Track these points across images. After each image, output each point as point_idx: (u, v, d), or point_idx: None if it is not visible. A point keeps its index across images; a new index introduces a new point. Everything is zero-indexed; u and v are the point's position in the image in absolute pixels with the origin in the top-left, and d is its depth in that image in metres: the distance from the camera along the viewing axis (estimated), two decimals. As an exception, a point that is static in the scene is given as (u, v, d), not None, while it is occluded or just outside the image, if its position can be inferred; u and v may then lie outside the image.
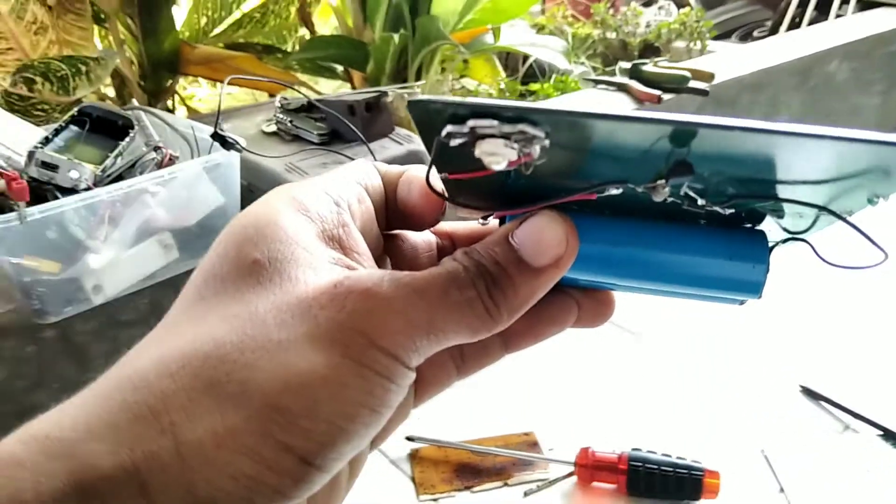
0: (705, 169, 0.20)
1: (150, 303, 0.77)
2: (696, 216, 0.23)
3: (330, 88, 1.79)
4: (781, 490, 0.58)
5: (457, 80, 1.70)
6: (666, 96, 1.50)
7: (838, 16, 2.27)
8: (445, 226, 0.26)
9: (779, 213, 0.23)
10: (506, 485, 0.61)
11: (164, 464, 0.18)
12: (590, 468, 0.59)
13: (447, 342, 0.21)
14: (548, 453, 0.63)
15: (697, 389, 0.69)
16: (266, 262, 0.21)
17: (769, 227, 0.24)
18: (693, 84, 1.53)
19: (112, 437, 0.18)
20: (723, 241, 0.23)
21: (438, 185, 0.22)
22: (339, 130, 1.14)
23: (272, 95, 1.54)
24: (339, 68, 1.68)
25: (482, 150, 0.19)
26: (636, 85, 1.54)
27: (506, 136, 0.19)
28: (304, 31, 1.78)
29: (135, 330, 0.76)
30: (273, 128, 1.22)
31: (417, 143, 1.15)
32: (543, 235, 0.21)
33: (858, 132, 0.18)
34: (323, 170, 1.01)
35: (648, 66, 1.60)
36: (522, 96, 1.74)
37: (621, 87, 1.57)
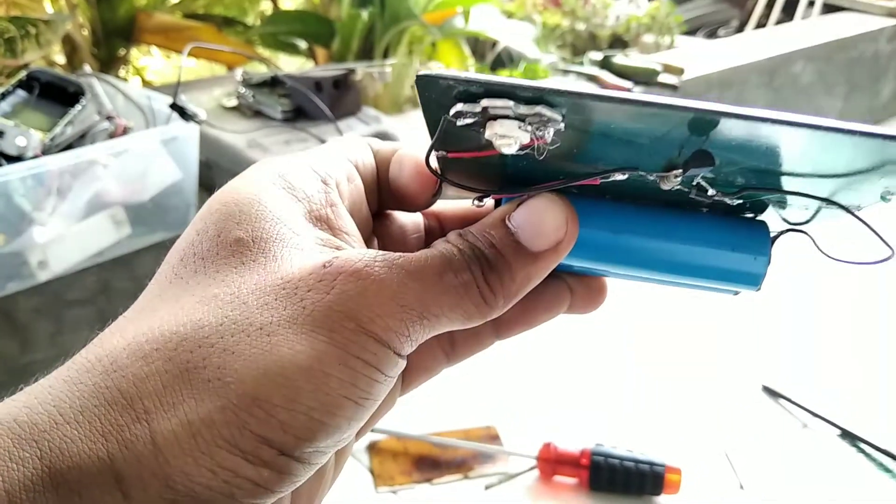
0: (720, 158, 0.19)
1: (98, 281, 0.73)
2: (699, 204, 0.22)
3: (293, 65, 1.74)
4: (741, 487, 0.59)
5: (424, 64, 1.67)
6: (636, 89, 1.51)
7: (803, 18, 2.31)
8: (433, 206, 0.25)
9: (783, 204, 0.22)
10: (466, 478, 0.60)
11: (139, 454, 0.16)
12: (552, 462, 0.59)
13: (441, 328, 0.20)
14: (509, 448, 0.62)
15: (661, 387, 0.69)
16: (250, 240, 0.19)
17: (769, 216, 0.23)
18: (662, 78, 1.54)
19: (84, 422, 0.17)
20: (725, 231, 0.22)
21: (434, 164, 0.21)
22: (303, 107, 1.11)
23: (231, 69, 1.49)
24: (303, 45, 1.64)
25: (494, 131, 0.18)
26: (606, 76, 1.54)
27: (520, 118, 0.17)
28: (266, 5, 1.72)
29: (82, 310, 0.72)
30: (234, 102, 1.18)
31: (385, 124, 1.12)
32: (543, 219, 0.20)
33: (880, 128, 0.18)
34: (287, 147, 0.97)
35: (619, 58, 1.60)
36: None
37: (591, 78, 1.56)
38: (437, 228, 0.26)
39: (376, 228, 0.25)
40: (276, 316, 0.18)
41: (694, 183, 0.20)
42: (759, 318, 0.78)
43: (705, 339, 0.75)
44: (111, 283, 0.72)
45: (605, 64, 1.59)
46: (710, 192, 0.21)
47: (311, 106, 1.08)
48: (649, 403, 0.67)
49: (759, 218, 0.23)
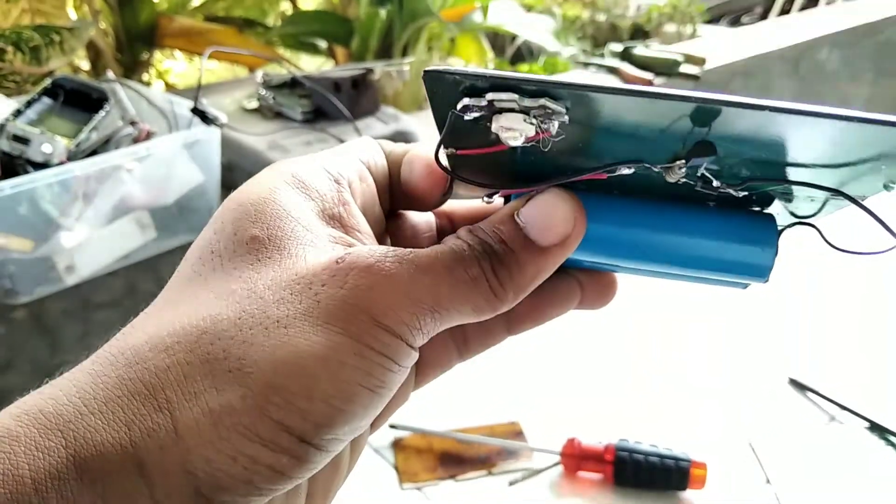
0: (724, 149, 0.19)
1: (125, 284, 0.74)
2: (705, 198, 0.22)
3: (313, 65, 1.75)
4: (768, 481, 0.58)
5: (443, 60, 1.67)
6: (657, 80, 1.49)
7: (828, 3, 2.26)
8: (444, 206, 0.25)
9: (788, 197, 0.22)
10: (490, 474, 0.60)
11: (161, 442, 0.17)
12: (576, 458, 0.58)
13: (451, 321, 0.20)
14: (533, 444, 0.62)
15: (686, 381, 0.69)
16: (265, 238, 0.20)
17: (776, 209, 0.23)
18: (684, 69, 1.52)
19: (108, 413, 0.17)
20: (732, 223, 0.22)
21: (444, 160, 0.21)
22: (323, 108, 1.12)
23: (252, 71, 1.51)
24: (323, 44, 1.65)
25: (500, 124, 0.18)
26: (627, 68, 1.52)
27: (525, 111, 0.18)
28: (286, 6, 1.73)
29: (109, 312, 0.74)
30: (255, 104, 1.19)
31: (404, 123, 1.12)
32: (551, 214, 0.20)
33: (882, 115, 0.18)
34: (307, 148, 0.98)
35: (639, 49, 1.58)
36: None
37: (612, 70, 1.55)
38: (449, 228, 0.26)
39: (389, 228, 0.25)
40: (292, 309, 0.19)
41: (699, 174, 0.20)
42: (785, 310, 0.77)
43: (731, 333, 0.74)
44: (137, 286, 0.73)
45: (626, 55, 1.58)
46: (716, 183, 0.21)
47: (331, 106, 1.09)
48: (674, 397, 0.67)
49: (765, 211, 0.23)
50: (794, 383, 0.67)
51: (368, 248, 0.20)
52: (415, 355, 0.20)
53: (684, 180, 0.20)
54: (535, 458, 0.61)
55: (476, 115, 0.18)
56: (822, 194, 0.21)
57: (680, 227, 0.22)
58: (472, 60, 1.72)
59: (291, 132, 1.06)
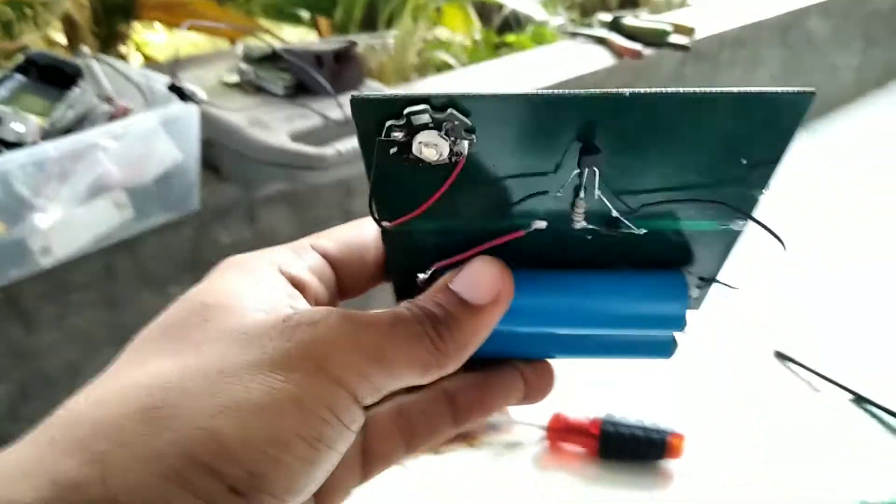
0: (613, 162, 0.20)
1: (102, 265, 0.73)
2: (616, 254, 0.24)
3: (296, 36, 1.72)
4: (754, 453, 0.58)
5: (429, 30, 1.64)
6: (646, 51, 1.47)
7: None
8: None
9: (684, 248, 0.24)
10: (472, 447, 0.60)
11: (89, 495, 0.16)
12: (561, 432, 0.58)
13: (396, 377, 0.20)
14: (517, 417, 0.62)
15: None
16: (214, 304, 0.20)
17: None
18: (673, 39, 1.50)
19: (38, 471, 0.17)
20: (644, 281, 0.24)
21: (377, 214, 0.22)
22: (305, 82, 1.09)
23: (233, 43, 1.47)
24: (306, 14, 1.61)
25: (418, 141, 0.19)
26: (616, 38, 1.50)
27: (438, 126, 0.19)
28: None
29: (87, 293, 0.73)
30: (235, 78, 1.16)
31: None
32: (481, 275, 0.22)
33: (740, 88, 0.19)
34: (288, 124, 0.96)
35: (628, 19, 1.56)
36: (498, 47, 1.69)
37: (601, 41, 1.53)
38: None
39: None
40: (238, 361, 0.19)
41: (596, 196, 0.21)
42: (771, 283, 0.77)
43: (715, 305, 0.74)
44: (115, 267, 0.72)
45: (615, 25, 1.55)
46: (614, 213, 0.22)
47: (313, 80, 1.06)
48: (659, 371, 0.67)
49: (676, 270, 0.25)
50: (780, 356, 0.67)
51: (314, 308, 0.21)
52: (359, 414, 0.20)
53: (590, 227, 0.22)
54: (520, 431, 0.61)
55: (399, 135, 0.19)
56: (714, 225, 0.23)
57: (596, 289, 0.24)
58: (459, 30, 1.69)
59: (272, 107, 1.04)
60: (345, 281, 0.25)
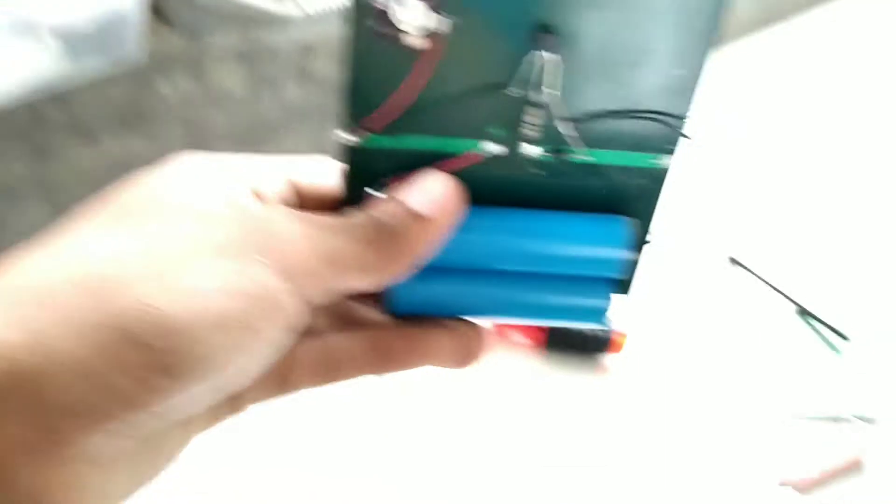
0: (569, 49, 0.21)
1: (32, 116, 0.67)
2: (561, 202, 0.24)
3: None
4: (695, 355, 0.59)
5: None
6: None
7: None
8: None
9: (622, 194, 0.25)
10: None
11: (15, 363, 0.16)
12: (508, 326, 0.59)
13: (346, 279, 0.21)
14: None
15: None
16: (168, 185, 0.20)
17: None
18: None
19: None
20: (588, 220, 0.25)
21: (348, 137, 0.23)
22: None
23: None
24: None
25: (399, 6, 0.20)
26: None
27: None
28: None
29: (15, 145, 0.67)
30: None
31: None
32: (431, 186, 0.22)
33: None
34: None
35: None
36: None
37: None
38: None
39: None
40: (188, 244, 0.19)
41: (543, 93, 0.22)
42: (728, 187, 0.75)
43: (672, 211, 0.72)
44: (46, 117, 0.66)
45: None
46: (562, 129, 0.23)
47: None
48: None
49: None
50: (734, 261, 0.67)
51: (271, 205, 0.21)
52: (304, 314, 0.20)
53: (540, 155, 0.23)
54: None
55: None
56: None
57: (542, 221, 0.24)
58: None
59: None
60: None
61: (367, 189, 0.23)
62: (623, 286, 0.27)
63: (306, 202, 0.23)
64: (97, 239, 0.18)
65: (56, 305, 0.17)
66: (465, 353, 0.25)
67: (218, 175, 0.21)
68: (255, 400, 0.24)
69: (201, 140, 0.62)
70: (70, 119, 0.66)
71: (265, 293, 0.18)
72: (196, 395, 0.18)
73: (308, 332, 0.23)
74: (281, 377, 0.24)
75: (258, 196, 0.21)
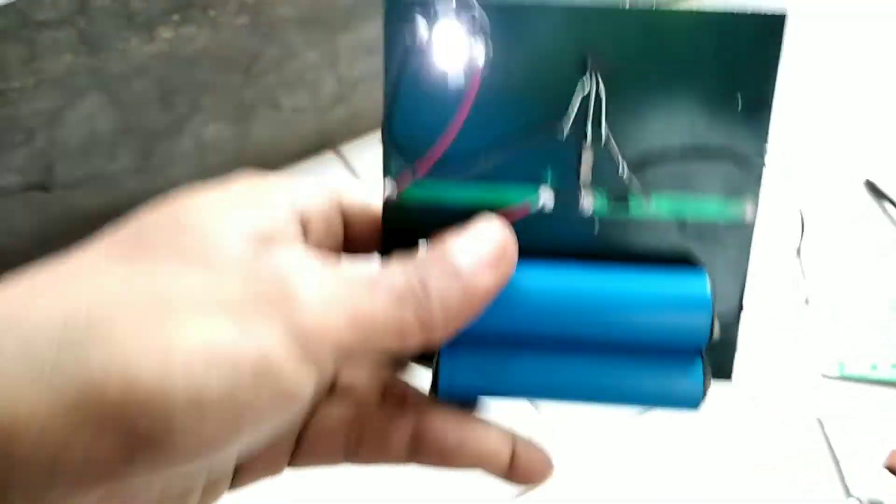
0: (616, 103, 0.20)
1: (79, 4, 0.58)
2: (622, 253, 0.21)
3: None
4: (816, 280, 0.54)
5: None
6: None
7: None
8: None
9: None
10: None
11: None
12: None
13: (371, 342, 0.17)
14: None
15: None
16: (198, 211, 0.18)
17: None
18: None
19: None
20: (663, 275, 0.21)
21: (390, 190, 0.21)
22: None
23: None
24: None
25: (440, 27, 0.19)
26: None
27: (460, 9, 0.19)
28: None
29: (58, 32, 0.58)
30: None
31: None
32: (482, 232, 0.19)
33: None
34: None
35: None
36: None
37: None
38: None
39: None
40: (192, 290, 0.17)
41: (602, 139, 0.20)
42: (868, 109, 0.68)
43: (808, 131, 0.65)
44: (93, 4, 0.57)
45: None
46: (621, 169, 0.20)
47: None
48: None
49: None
50: (870, 186, 0.61)
51: (291, 248, 0.18)
52: (316, 381, 0.17)
53: (597, 202, 0.21)
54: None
55: (420, 15, 0.19)
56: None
57: (606, 280, 0.21)
58: None
59: None
60: (351, 242, 0.22)
61: (408, 238, 0.21)
62: (723, 370, 0.22)
63: (354, 229, 0.21)
64: (100, 272, 0.17)
65: (30, 353, 0.15)
66: (526, 470, 0.21)
67: (246, 213, 0.18)
68: (256, 478, 0.21)
69: (267, 27, 0.53)
70: (117, 5, 0.57)
71: (266, 363, 0.16)
72: (181, 474, 0.16)
73: (340, 393, 0.21)
74: (293, 445, 0.21)
75: (291, 237, 0.19)
